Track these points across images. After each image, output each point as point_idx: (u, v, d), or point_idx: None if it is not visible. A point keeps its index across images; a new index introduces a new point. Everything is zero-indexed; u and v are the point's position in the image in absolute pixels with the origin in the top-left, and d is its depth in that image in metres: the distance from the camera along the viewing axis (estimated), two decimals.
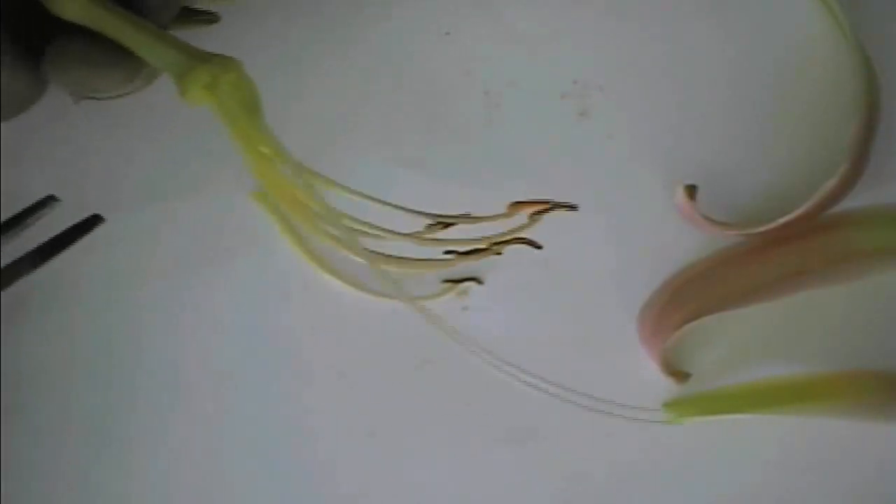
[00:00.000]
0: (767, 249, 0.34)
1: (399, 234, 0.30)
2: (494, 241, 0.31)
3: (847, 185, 0.33)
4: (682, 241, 0.35)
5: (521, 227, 0.31)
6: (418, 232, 0.31)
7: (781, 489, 0.34)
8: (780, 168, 0.35)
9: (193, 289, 0.36)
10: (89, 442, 0.35)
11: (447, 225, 0.31)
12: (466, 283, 0.35)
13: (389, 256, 0.31)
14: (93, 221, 0.33)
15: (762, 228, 0.33)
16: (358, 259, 0.31)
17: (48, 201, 0.33)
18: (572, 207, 0.32)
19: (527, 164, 0.35)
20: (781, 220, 0.33)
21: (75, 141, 0.35)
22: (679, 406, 0.34)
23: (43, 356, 0.35)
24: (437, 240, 0.31)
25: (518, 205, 0.31)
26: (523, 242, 0.31)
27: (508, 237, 0.31)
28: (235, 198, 0.35)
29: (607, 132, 0.36)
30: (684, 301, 0.34)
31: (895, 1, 0.35)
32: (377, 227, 0.31)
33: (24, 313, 0.35)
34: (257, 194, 0.35)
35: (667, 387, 0.34)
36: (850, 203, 0.34)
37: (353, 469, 0.35)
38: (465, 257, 0.31)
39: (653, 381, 0.34)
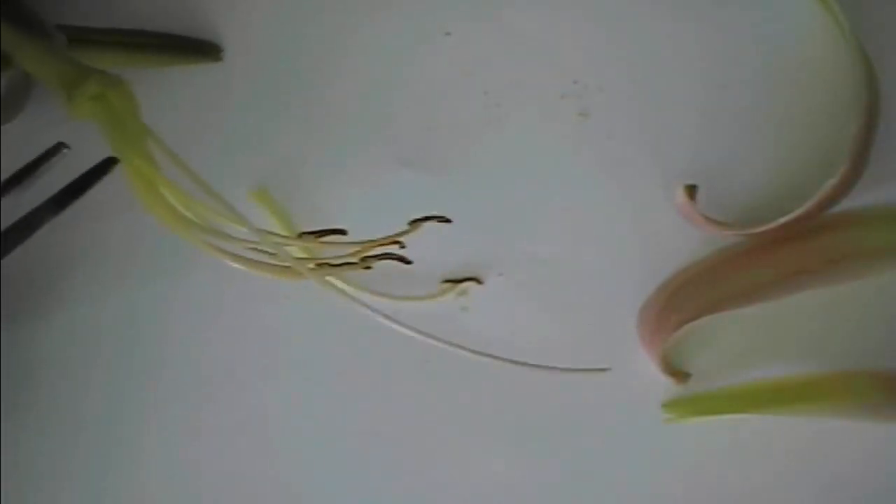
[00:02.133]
0: (767, 249, 0.34)
1: (275, 243, 0.30)
2: (364, 255, 0.31)
3: (847, 185, 0.33)
4: (682, 241, 0.35)
5: (392, 243, 0.31)
6: (292, 239, 0.31)
7: (781, 489, 0.34)
8: (780, 168, 0.35)
9: (193, 288, 0.36)
10: (87, 441, 0.35)
11: (320, 234, 0.32)
12: (466, 283, 0.35)
13: (262, 262, 0.31)
14: (108, 164, 0.32)
15: (762, 228, 0.33)
16: (232, 264, 0.31)
17: (58, 148, 0.32)
18: (445, 220, 0.32)
19: (527, 164, 0.35)
20: (781, 220, 0.33)
21: (74, 140, 0.35)
22: (679, 406, 0.34)
23: (42, 356, 0.36)
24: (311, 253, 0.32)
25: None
26: (393, 258, 0.32)
27: (379, 253, 0.31)
28: (234, 197, 0.35)
29: (607, 132, 0.35)
30: (684, 301, 0.34)
31: (895, 1, 0.35)
32: (252, 237, 0.31)
33: (24, 313, 0.35)
34: (256, 194, 0.36)
35: (667, 387, 0.34)
36: (850, 203, 0.34)
37: (353, 468, 0.35)
38: (336, 269, 0.31)
39: (653, 381, 0.34)
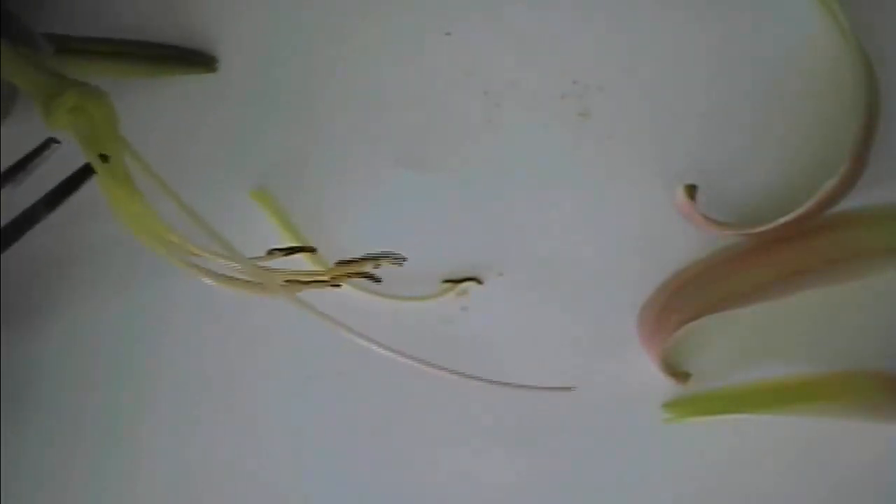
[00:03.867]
0: (767, 249, 0.34)
1: (243, 260, 0.31)
2: (335, 273, 0.31)
3: (847, 185, 0.33)
4: (682, 241, 0.35)
5: (361, 262, 0.32)
6: (260, 257, 0.31)
7: (781, 489, 0.34)
8: (780, 168, 0.35)
9: (192, 288, 0.35)
10: (87, 441, 0.35)
11: (289, 252, 0.31)
12: (466, 283, 0.35)
13: (235, 279, 0.31)
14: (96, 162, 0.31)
15: (762, 228, 0.33)
16: (205, 281, 0.31)
17: (48, 144, 0.31)
18: (401, 260, 0.32)
19: (527, 164, 0.35)
20: (781, 220, 0.33)
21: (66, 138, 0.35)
22: (679, 406, 0.34)
23: (42, 357, 0.36)
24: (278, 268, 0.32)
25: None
26: (363, 276, 0.32)
27: (348, 271, 0.32)
28: (235, 197, 0.35)
29: (607, 132, 0.35)
30: (684, 301, 0.34)
31: (895, 1, 0.35)
32: (223, 254, 0.31)
33: (24, 314, 0.35)
34: (257, 194, 0.36)
35: (667, 387, 0.34)
36: (850, 203, 0.34)
37: (353, 468, 0.35)
38: (305, 286, 0.31)
39: (653, 381, 0.34)
